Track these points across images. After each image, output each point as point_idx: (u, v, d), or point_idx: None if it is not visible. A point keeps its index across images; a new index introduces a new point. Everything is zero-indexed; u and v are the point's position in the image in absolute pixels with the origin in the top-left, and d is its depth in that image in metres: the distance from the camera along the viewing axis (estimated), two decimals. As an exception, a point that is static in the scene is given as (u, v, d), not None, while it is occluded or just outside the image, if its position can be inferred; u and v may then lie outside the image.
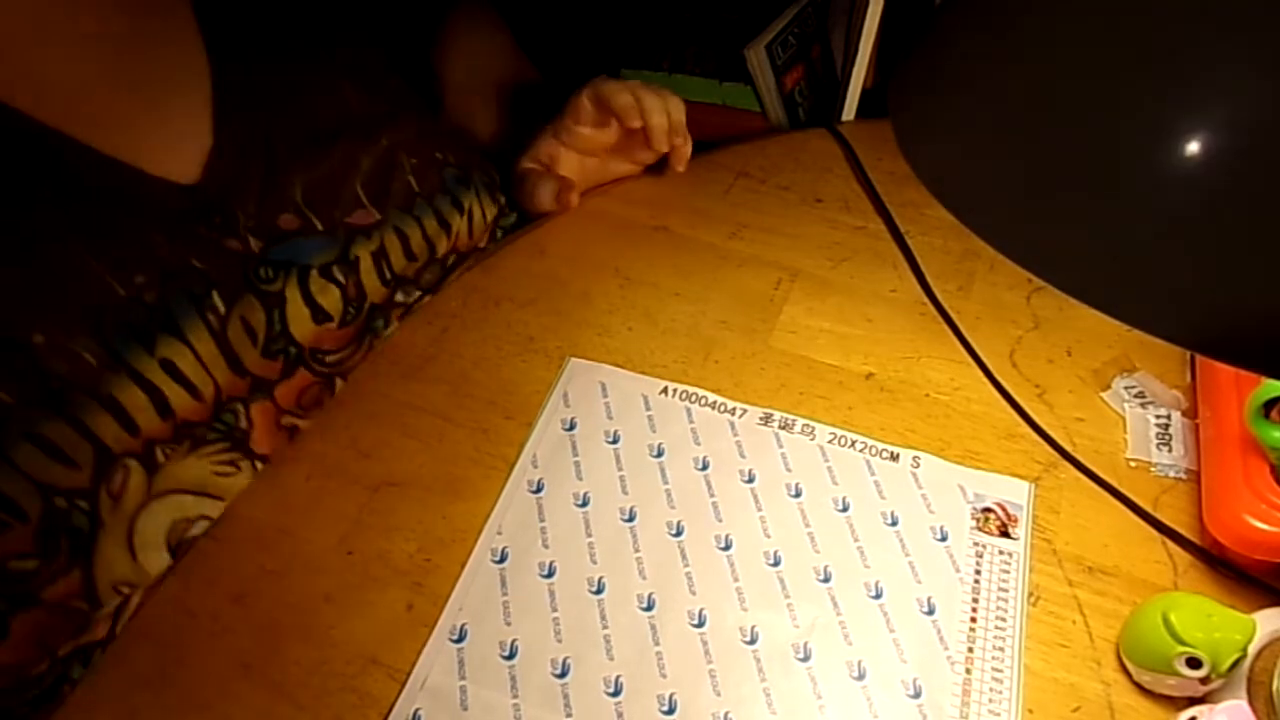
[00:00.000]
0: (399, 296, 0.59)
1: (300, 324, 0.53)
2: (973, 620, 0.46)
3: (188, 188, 0.48)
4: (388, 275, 0.57)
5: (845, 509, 0.50)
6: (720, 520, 0.50)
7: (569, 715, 0.43)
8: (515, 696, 0.44)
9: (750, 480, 0.51)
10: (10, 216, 0.43)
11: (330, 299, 0.54)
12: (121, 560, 0.46)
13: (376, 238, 0.56)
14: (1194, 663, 0.39)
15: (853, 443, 0.53)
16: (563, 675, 0.44)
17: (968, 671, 0.44)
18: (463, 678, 0.44)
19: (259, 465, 0.52)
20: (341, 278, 0.54)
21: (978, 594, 0.47)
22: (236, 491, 0.50)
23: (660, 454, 0.52)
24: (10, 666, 0.43)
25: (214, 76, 0.50)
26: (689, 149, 0.65)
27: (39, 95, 0.44)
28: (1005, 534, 0.49)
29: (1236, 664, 0.39)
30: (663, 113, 0.61)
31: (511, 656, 0.45)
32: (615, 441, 0.53)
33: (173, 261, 0.47)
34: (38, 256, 0.43)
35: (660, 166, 0.68)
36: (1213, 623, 0.40)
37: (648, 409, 0.54)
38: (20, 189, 0.43)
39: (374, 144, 0.56)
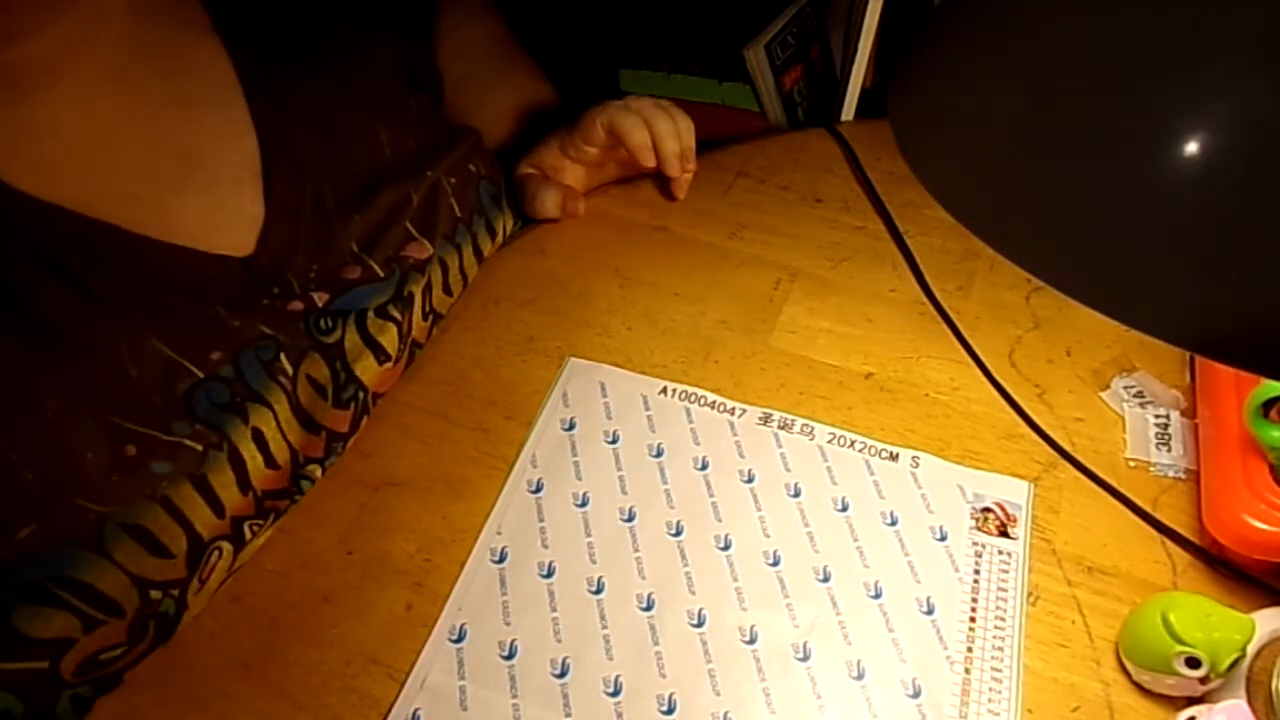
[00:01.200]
0: (435, 332, 0.59)
1: (364, 366, 0.52)
2: (972, 620, 0.46)
3: (245, 260, 0.46)
4: (427, 309, 0.57)
5: (844, 509, 0.50)
6: (720, 520, 0.50)
7: (568, 715, 0.43)
8: (515, 696, 0.44)
9: (750, 480, 0.51)
10: (75, 320, 0.41)
11: (389, 337, 0.53)
12: None
13: (427, 273, 0.56)
14: (1193, 662, 0.39)
15: (852, 442, 0.53)
16: (562, 675, 0.44)
17: (967, 671, 0.44)
18: (462, 677, 0.44)
19: None
20: (398, 314, 0.54)
21: (977, 594, 0.47)
22: None
23: (660, 454, 0.52)
24: None
25: (260, 138, 0.48)
26: (691, 174, 0.65)
27: (84, 190, 0.42)
28: (1004, 534, 0.49)
29: (1235, 664, 0.39)
30: (675, 137, 0.60)
31: (511, 656, 0.45)
32: (615, 441, 0.53)
33: (243, 332, 0.46)
34: (111, 360, 0.41)
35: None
36: (1212, 622, 0.40)
37: (647, 409, 0.54)
38: (79, 290, 0.41)
39: (420, 179, 0.55)
